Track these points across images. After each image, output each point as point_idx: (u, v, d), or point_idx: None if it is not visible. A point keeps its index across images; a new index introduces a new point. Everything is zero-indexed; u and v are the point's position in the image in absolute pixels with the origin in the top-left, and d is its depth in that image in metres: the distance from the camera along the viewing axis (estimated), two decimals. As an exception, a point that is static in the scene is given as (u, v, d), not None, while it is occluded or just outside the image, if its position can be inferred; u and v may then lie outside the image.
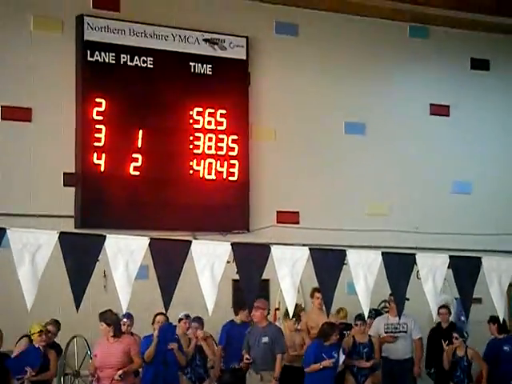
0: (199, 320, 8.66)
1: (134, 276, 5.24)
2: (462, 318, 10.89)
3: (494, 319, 9.66)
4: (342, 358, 8.90)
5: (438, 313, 9.55)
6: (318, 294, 9.26)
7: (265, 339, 8.69)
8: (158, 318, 8.52)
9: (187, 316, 8.87)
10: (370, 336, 9.35)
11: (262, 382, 8.60)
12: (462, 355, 9.47)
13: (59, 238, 4.98)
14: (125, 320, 8.51)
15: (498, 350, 9.82)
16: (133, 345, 7.95)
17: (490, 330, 9.93)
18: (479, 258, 5.97)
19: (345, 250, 5.75)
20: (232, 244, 5.51)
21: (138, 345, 8.06)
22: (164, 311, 5.45)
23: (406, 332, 9.75)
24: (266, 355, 8.64)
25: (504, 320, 9.14)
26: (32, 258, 4.87)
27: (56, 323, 8.68)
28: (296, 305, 8.11)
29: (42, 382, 8.24)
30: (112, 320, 7.91)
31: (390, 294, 9.25)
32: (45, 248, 4.91)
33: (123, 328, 8.49)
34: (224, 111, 10.67)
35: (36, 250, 4.89)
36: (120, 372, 7.66)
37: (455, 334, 9.55)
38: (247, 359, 8.66)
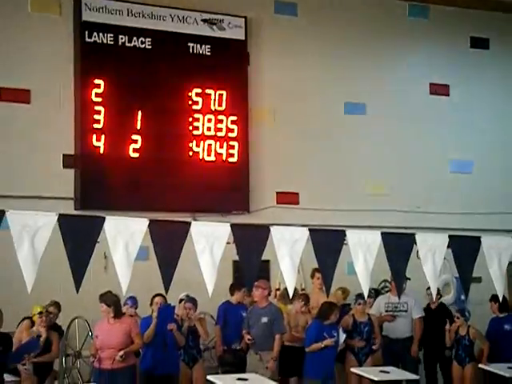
0: (193, 300, 8.68)
1: (133, 257, 5.26)
2: (462, 297, 10.94)
3: (495, 298, 9.69)
4: (343, 337, 8.94)
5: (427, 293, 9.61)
6: (318, 275, 9.29)
7: (264, 319, 8.72)
8: (157, 299, 8.55)
9: (188, 296, 8.89)
10: (369, 315, 9.38)
11: (261, 361, 8.64)
12: (464, 334, 9.51)
13: (58, 219, 4.98)
14: (129, 303, 8.53)
15: (499, 328, 9.87)
16: (133, 326, 8.00)
17: (491, 308, 9.96)
18: (478, 238, 5.98)
19: (344, 231, 5.76)
20: (231, 225, 5.52)
21: (138, 326, 8.10)
22: (164, 292, 5.44)
23: (406, 311, 9.78)
24: (264, 335, 8.67)
25: (505, 298, 9.18)
26: (31, 240, 4.88)
27: (56, 304, 8.71)
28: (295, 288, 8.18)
29: (44, 363, 8.29)
30: (112, 301, 7.94)
31: (389, 281, 9.33)
32: (44, 230, 4.92)
33: (127, 312, 8.53)
34: (223, 92, 10.63)
35: (35, 231, 4.90)
36: (121, 353, 7.70)
37: (457, 314, 9.58)
38: (249, 339, 8.69)
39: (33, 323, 8.36)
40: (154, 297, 8.62)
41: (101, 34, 10.01)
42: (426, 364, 10.15)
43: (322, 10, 11.51)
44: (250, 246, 5.55)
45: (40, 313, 8.20)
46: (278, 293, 10.06)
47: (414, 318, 9.81)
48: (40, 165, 9.85)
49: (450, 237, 5.90)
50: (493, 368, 8.97)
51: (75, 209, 9.74)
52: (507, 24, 12.54)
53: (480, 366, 9.32)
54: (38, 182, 9.77)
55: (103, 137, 9.93)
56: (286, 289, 9.35)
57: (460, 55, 12.33)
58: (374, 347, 9.13)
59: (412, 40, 12.09)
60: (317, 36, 11.44)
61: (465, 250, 5.90)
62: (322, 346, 8.59)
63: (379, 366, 8.96)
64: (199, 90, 10.50)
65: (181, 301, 8.83)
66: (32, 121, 9.90)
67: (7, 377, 7.68)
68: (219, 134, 10.58)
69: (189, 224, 5.47)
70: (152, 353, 8.32)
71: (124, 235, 5.18)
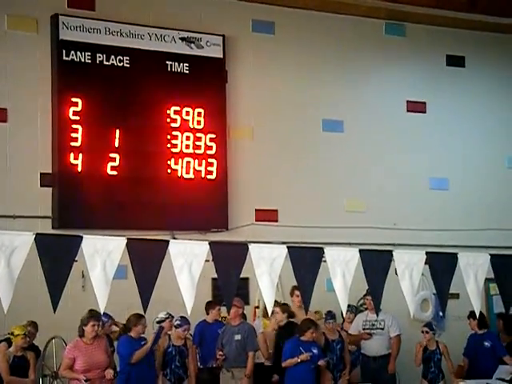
0: (187, 321, 8.71)
1: (111, 276, 5.23)
2: (440, 314, 10.98)
3: (473, 314, 9.73)
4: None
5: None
6: (297, 292, 9.27)
7: (237, 337, 8.82)
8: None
9: (170, 315, 8.88)
10: (339, 332, 9.39)
11: (234, 379, 8.68)
12: (434, 348, 9.53)
13: (35, 239, 4.95)
14: (104, 319, 8.47)
15: (478, 345, 9.90)
16: (107, 344, 7.99)
17: (469, 325, 10.00)
18: (455, 254, 6.02)
19: (322, 248, 5.77)
20: (210, 243, 5.51)
21: (108, 345, 8.09)
22: (143, 311, 5.41)
23: (382, 329, 9.79)
24: (237, 353, 8.77)
25: (483, 314, 9.23)
26: (8, 260, 4.84)
27: (34, 324, 8.64)
28: (276, 302, 8.18)
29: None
30: (99, 317, 7.88)
31: (366, 293, 9.35)
32: (21, 249, 4.88)
33: (105, 328, 8.50)
34: (201, 110, 10.65)
35: (12, 251, 4.86)
36: (111, 371, 7.67)
37: (424, 329, 9.59)
38: (220, 355, 8.77)
39: (9, 345, 8.27)
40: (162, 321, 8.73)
41: (78, 53, 9.99)
42: None
43: (299, 28, 11.58)
44: (229, 263, 5.54)
45: (24, 334, 8.12)
46: (257, 310, 10.05)
47: (392, 336, 9.82)
48: (17, 183, 9.79)
49: (427, 253, 5.93)
50: (472, 384, 9.00)
51: (53, 227, 9.68)
52: (483, 42, 12.70)
53: (459, 381, 9.33)
54: (14, 201, 9.70)
55: (81, 155, 9.89)
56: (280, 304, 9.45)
57: (436, 73, 12.45)
58: (322, 363, 8.92)
59: (388, 57, 12.19)
60: (294, 54, 11.51)
61: (442, 266, 5.93)
62: (298, 360, 8.60)
63: (357, 384, 8.97)
64: (177, 108, 10.52)
65: (159, 321, 8.79)
66: (9, 139, 9.84)
67: None
68: (198, 151, 10.59)
69: (167, 242, 5.45)
70: (137, 372, 8.27)
71: (102, 254, 5.16)
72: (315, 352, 8.71)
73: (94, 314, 7.81)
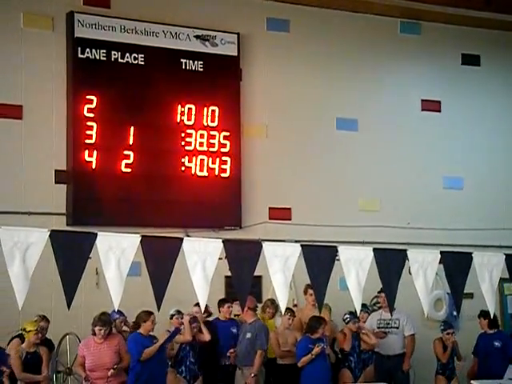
0: (196, 319, 8.71)
1: (125, 273, 5.25)
2: (454, 313, 10.95)
3: (484, 314, 9.72)
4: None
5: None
6: (310, 291, 9.29)
7: (248, 335, 8.90)
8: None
9: (179, 312, 8.90)
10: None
11: (243, 377, 8.73)
12: (454, 347, 9.58)
13: (50, 235, 4.98)
14: (116, 316, 8.50)
15: (488, 344, 9.88)
16: (121, 344, 8.00)
17: (480, 324, 9.98)
18: (470, 254, 6.01)
19: (336, 247, 5.77)
20: (224, 241, 5.53)
21: (125, 343, 8.08)
22: (156, 309, 5.43)
23: (397, 328, 9.78)
24: (247, 350, 8.83)
25: (495, 315, 9.21)
26: (23, 256, 4.87)
27: (46, 319, 8.66)
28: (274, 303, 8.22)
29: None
30: (108, 322, 7.93)
31: (379, 291, 9.34)
32: (36, 246, 4.91)
33: (119, 325, 8.53)
34: (215, 108, 10.65)
35: (27, 247, 4.89)
36: (114, 366, 7.70)
37: (450, 330, 9.60)
38: (230, 353, 8.84)
39: (22, 341, 8.31)
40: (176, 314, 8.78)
41: (93, 50, 10.02)
42: None
43: (313, 27, 11.56)
44: (242, 261, 5.55)
45: (36, 330, 8.16)
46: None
47: (406, 335, 9.81)
48: (32, 180, 9.83)
49: (441, 253, 5.92)
50: (483, 384, 8.98)
51: (67, 224, 9.71)
52: (498, 41, 12.63)
53: (472, 382, 9.32)
54: (29, 198, 9.74)
55: (95, 152, 9.92)
56: (268, 300, 9.50)
57: (451, 72, 12.40)
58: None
59: (403, 56, 12.15)
60: (309, 52, 11.49)
61: (456, 265, 5.92)
62: (313, 356, 8.62)
63: (372, 383, 8.95)
64: (192, 106, 10.52)
65: (172, 316, 8.83)
66: (24, 136, 9.88)
67: None
68: (211, 149, 10.59)
69: (181, 240, 5.47)
70: (147, 370, 8.29)
71: (116, 251, 5.18)
72: (324, 346, 8.76)
73: (102, 319, 7.86)
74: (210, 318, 9.26)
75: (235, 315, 9.57)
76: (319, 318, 8.89)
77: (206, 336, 8.74)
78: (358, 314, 9.32)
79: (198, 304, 8.58)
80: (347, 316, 9.23)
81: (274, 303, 9.54)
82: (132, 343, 8.31)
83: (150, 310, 8.09)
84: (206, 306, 8.37)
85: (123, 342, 8.07)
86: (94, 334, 7.91)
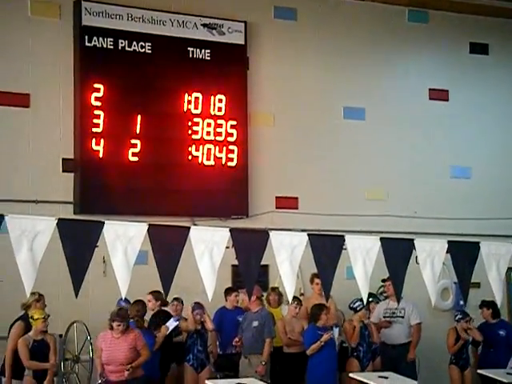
0: (201, 306, 8.71)
1: (132, 262, 5.27)
2: (461, 303, 10.95)
3: (486, 304, 9.75)
4: (336, 331, 8.96)
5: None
6: (317, 280, 9.29)
7: (255, 323, 8.89)
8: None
9: (177, 299, 8.91)
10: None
11: (250, 365, 8.72)
12: (469, 337, 9.57)
13: (57, 224, 4.99)
14: (123, 304, 8.49)
15: (493, 334, 9.87)
16: (138, 339, 7.85)
17: (482, 314, 9.98)
18: (477, 243, 6.00)
19: (343, 236, 5.77)
20: (230, 230, 5.53)
21: (142, 338, 7.95)
22: (164, 297, 5.45)
23: (403, 317, 9.77)
24: (254, 339, 8.82)
25: (495, 304, 9.20)
26: (30, 244, 4.89)
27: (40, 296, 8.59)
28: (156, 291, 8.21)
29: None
30: (126, 317, 7.87)
31: (383, 280, 9.33)
32: (43, 234, 4.92)
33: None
34: (223, 96, 10.63)
35: (34, 236, 4.91)
36: (128, 367, 7.64)
37: (467, 317, 9.59)
38: (236, 342, 8.83)
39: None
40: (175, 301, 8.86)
41: (101, 39, 10.01)
42: None
43: (321, 15, 11.52)
44: (249, 250, 5.56)
45: (44, 317, 8.16)
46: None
47: (412, 324, 9.80)
48: (39, 169, 9.84)
49: (449, 242, 5.91)
50: (491, 374, 8.96)
51: (74, 213, 9.73)
52: (507, 30, 12.56)
53: (479, 371, 9.32)
54: (37, 186, 9.76)
55: (102, 141, 9.92)
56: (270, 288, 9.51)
57: (459, 60, 12.34)
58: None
59: (411, 45, 12.09)
60: (316, 40, 11.45)
61: (464, 255, 5.91)
62: (322, 343, 8.64)
63: (378, 372, 8.96)
64: (199, 95, 10.51)
65: (173, 300, 8.85)
66: (31, 125, 9.89)
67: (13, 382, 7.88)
68: (218, 138, 10.58)
69: (188, 229, 5.48)
70: (158, 360, 8.36)
71: (123, 240, 5.19)
72: (336, 332, 8.76)
73: (120, 314, 7.78)
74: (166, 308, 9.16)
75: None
76: (320, 304, 8.92)
77: (209, 325, 8.75)
78: (366, 304, 9.30)
79: (176, 299, 8.69)
80: (359, 303, 9.12)
81: (274, 290, 9.55)
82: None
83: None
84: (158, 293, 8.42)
85: (140, 337, 7.92)
86: (111, 328, 7.80)
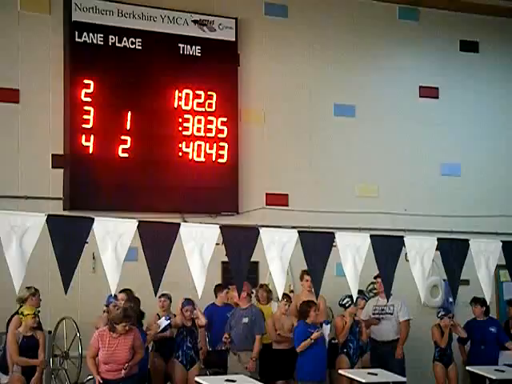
0: (191, 302, 8.70)
1: (122, 258, 5.26)
2: (450, 300, 10.98)
3: (477, 301, 9.78)
4: (327, 328, 8.97)
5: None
6: (307, 277, 9.30)
7: (245, 320, 8.86)
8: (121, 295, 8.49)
9: (164, 295, 8.89)
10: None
11: (240, 362, 8.72)
12: (451, 333, 9.62)
13: (47, 220, 4.98)
14: (112, 300, 8.45)
15: (484, 331, 9.91)
16: (136, 338, 7.77)
17: (473, 311, 10.01)
18: (467, 241, 6.01)
19: (333, 233, 5.78)
20: (221, 226, 5.53)
21: (140, 337, 7.89)
22: (154, 294, 5.43)
23: (391, 314, 9.79)
24: (244, 336, 8.80)
25: (485, 301, 9.23)
26: (20, 240, 4.87)
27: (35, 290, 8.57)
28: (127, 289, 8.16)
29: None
30: (131, 316, 7.73)
31: (376, 277, 9.34)
32: (32, 230, 4.91)
33: (112, 310, 8.46)
34: (213, 93, 10.62)
35: (24, 232, 4.89)
36: (125, 365, 7.58)
37: (449, 314, 9.62)
38: (226, 338, 8.80)
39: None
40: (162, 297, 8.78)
41: (91, 34, 9.98)
42: None
43: (312, 12, 11.52)
44: (240, 247, 5.56)
45: (34, 314, 8.14)
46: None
47: (400, 321, 9.81)
48: (29, 164, 9.81)
49: (438, 240, 5.93)
50: (481, 370, 9.00)
51: (64, 209, 9.71)
52: (496, 28, 12.59)
53: (468, 368, 9.36)
54: (26, 182, 9.73)
55: (92, 137, 9.89)
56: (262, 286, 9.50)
57: (449, 58, 12.36)
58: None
59: (401, 42, 12.11)
60: (307, 37, 11.45)
61: (453, 252, 5.93)
62: (312, 340, 8.65)
63: (368, 368, 8.97)
64: (189, 91, 10.49)
65: (160, 296, 8.81)
66: (21, 121, 9.86)
67: (2, 378, 7.78)
68: (209, 134, 10.57)
69: (178, 225, 5.47)
70: (147, 356, 8.36)
71: (113, 236, 5.19)
72: (327, 329, 8.76)
73: (127, 315, 7.63)
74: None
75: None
76: (309, 301, 8.91)
77: (202, 320, 8.75)
78: (355, 301, 9.31)
79: (122, 290, 8.55)
80: (348, 300, 9.16)
81: (262, 287, 9.54)
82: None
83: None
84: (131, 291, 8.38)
85: (139, 336, 7.86)
86: (112, 330, 7.67)
